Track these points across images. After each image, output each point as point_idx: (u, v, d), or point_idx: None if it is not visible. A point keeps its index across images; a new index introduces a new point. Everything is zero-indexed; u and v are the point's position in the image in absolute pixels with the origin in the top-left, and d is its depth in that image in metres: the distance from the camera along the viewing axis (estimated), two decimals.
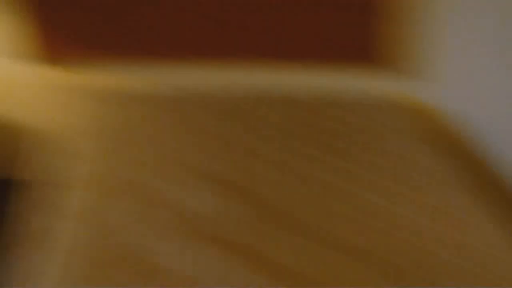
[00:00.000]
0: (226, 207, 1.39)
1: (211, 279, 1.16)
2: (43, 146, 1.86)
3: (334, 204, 1.44)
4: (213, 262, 1.20)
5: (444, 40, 2.05)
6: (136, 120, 1.76)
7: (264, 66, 2.02)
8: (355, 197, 1.48)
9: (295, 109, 1.91)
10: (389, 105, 2.05)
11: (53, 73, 1.95)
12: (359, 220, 1.39)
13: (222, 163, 1.56)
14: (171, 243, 1.26)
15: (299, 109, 1.92)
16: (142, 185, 1.45)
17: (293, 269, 1.21)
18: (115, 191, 1.42)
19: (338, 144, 1.72)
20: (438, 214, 1.45)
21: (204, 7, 1.93)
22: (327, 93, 2.03)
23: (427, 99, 2.14)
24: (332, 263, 1.23)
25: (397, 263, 1.25)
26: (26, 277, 1.25)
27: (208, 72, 2.00)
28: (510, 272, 1.27)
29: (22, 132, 2.02)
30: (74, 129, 1.71)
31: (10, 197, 1.88)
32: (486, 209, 1.49)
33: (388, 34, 2.04)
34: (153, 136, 1.68)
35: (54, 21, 1.86)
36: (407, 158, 1.70)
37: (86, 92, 1.88)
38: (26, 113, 2.01)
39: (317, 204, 1.44)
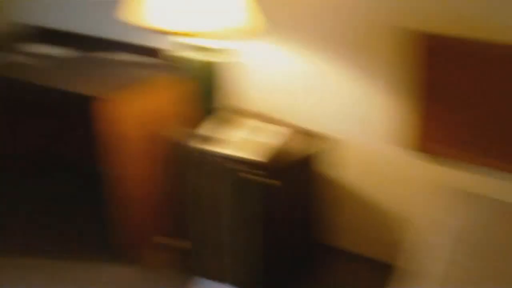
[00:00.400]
0: None
1: None
2: (413, 235, 1.92)
3: None
4: None
5: None
6: (496, 229, 1.66)
7: None
8: None
9: None
10: None
11: (424, 165, 1.96)
12: None
13: None
14: None
15: None
16: None
17: None
18: None
19: None
20: None
21: None
22: None
23: None
24: None
25: None
26: None
27: None
28: None
29: (402, 220, 2.07)
30: (437, 225, 1.69)
31: (386, 281, 1.92)
32: None
33: None
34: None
35: (435, 115, 1.85)
36: None
37: (455, 190, 1.83)
38: (401, 201, 2.05)
39: None
